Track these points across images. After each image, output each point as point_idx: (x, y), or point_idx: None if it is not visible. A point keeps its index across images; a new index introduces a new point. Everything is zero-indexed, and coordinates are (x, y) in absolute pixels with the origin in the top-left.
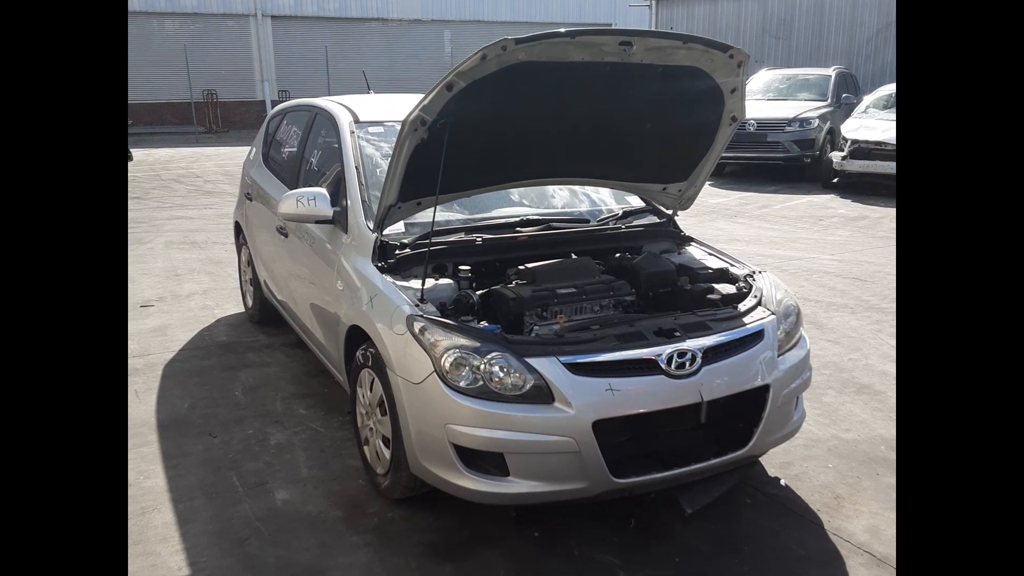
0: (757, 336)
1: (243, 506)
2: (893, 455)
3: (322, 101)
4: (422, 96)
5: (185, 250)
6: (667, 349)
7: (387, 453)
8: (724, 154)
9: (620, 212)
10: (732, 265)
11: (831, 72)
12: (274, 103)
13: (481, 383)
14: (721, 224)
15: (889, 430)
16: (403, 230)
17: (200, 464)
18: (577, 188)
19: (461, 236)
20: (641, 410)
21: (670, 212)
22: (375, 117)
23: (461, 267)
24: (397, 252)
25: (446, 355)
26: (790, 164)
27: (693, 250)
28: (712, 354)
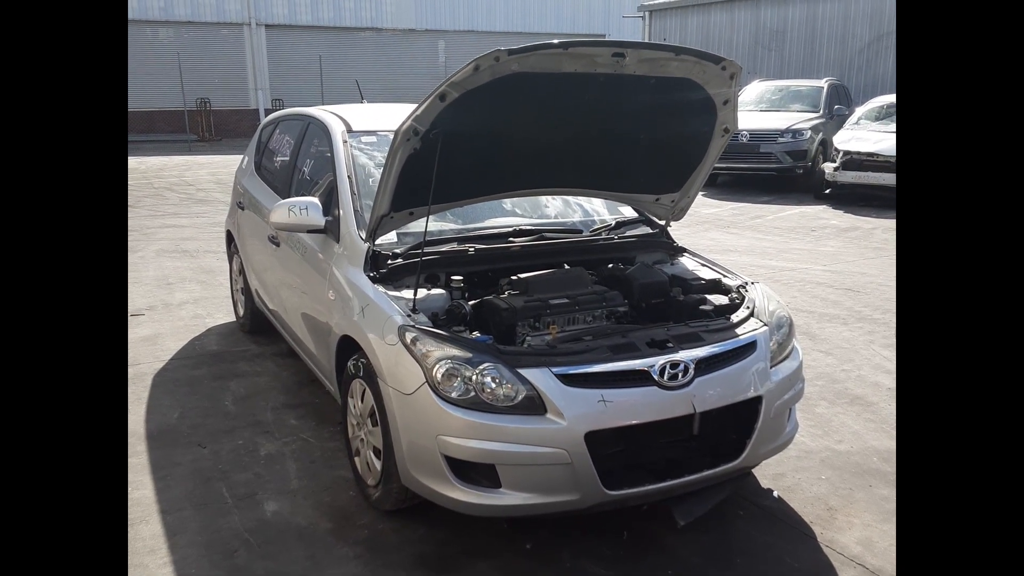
0: (750, 347)
1: (232, 517)
2: (886, 467)
3: (315, 110)
4: (415, 106)
5: (176, 259)
6: (660, 360)
7: (378, 464)
8: (717, 165)
9: (613, 222)
10: (725, 276)
11: (823, 84)
12: (267, 112)
13: (473, 394)
14: (714, 234)
15: (882, 441)
16: (395, 240)
17: (189, 475)
18: (570, 198)
19: (454, 246)
20: (634, 421)
21: (663, 223)
22: (368, 127)
23: (453, 277)
24: (389, 262)
25: (438, 366)
26: (783, 175)
27: (686, 261)
28: (705, 365)
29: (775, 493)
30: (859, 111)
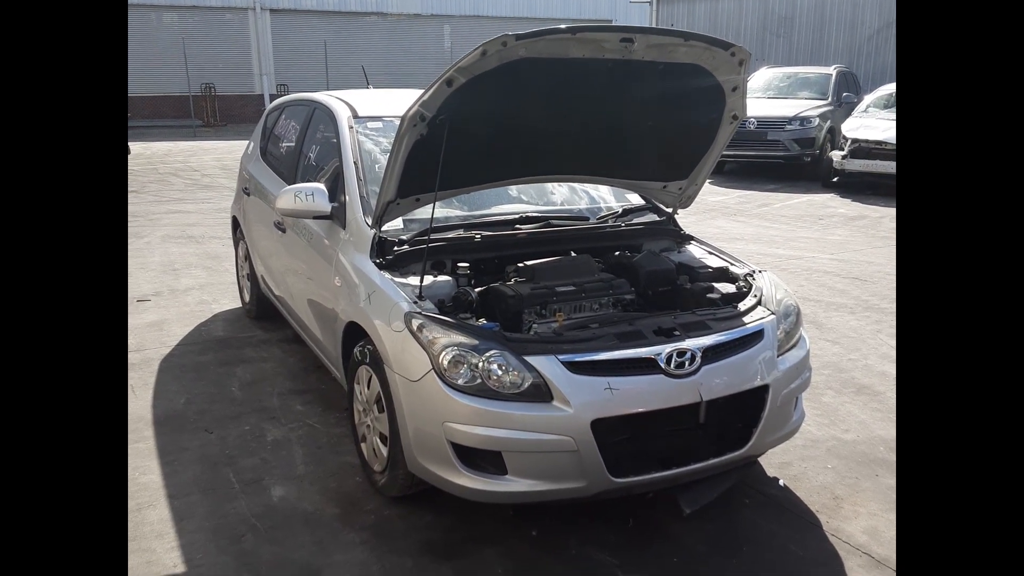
0: (757, 336)
1: (239, 503)
2: (892, 456)
3: (321, 96)
4: (422, 92)
5: (182, 244)
6: (666, 348)
7: (384, 450)
8: (724, 152)
9: (620, 210)
10: (732, 264)
11: (832, 71)
12: (272, 97)
13: (479, 381)
14: (721, 222)
15: (888, 431)
16: (402, 226)
17: (196, 460)
18: (577, 185)
19: (460, 233)
20: (640, 409)
21: (670, 210)
22: (374, 112)
23: (460, 264)
24: (395, 248)
25: (444, 352)
26: (790, 163)
27: (693, 249)
28: (711, 353)
29: (781, 482)
30: (867, 99)
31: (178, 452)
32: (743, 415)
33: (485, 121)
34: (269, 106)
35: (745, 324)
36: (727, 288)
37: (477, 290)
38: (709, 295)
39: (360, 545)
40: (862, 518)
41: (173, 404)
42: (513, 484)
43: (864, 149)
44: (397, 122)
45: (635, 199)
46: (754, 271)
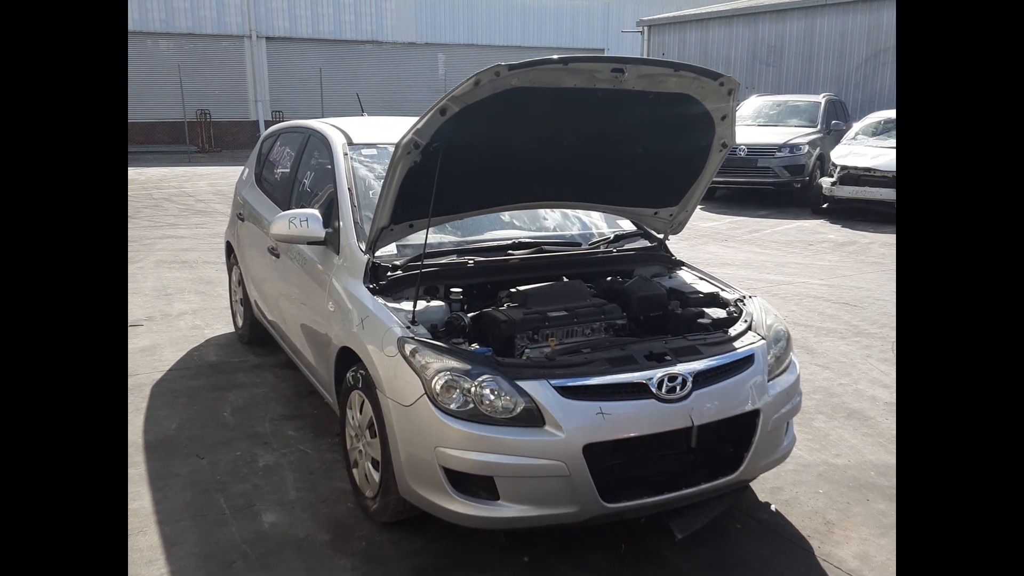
0: (747, 361)
1: (230, 529)
2: (883, 481)
3: (316, 123)
4: (416, 119)
5: (175, 269)
6: (658, 373)
7: (376, 476)
8: (715, 179)
9: (611, 236)
10: (723, 289)
11: (821, 99)
12: (267, 124)
13: (472, 406)
14: (712, 248)
15: (879, 455)
16: (395, 252)
17: (187, 486)
18: (569, 211)
19: (453, 258)
20: (632, 434)
21: (661, 236)
22: (368, 139)
23: (453, 289)
24: (389, 274)
25: (437, 377)
26: (780, 189)
27: (684, 274)
28: (703, 378)
29: (772, 507)
30: (856, 126)
31: (169, 477)
32: (734, 440)
33: (478, 149)
34: (264, 133)
35: (736, 349)
36: (718, 313)
37: (470, 315)
38: (700, 320)
39: (351, 571)
40: (853, 543)
41: (164, 429)
42: (505, 509)
43: (853, 176)
44: (391, 149)
45: (627, 225)
46: (744, 296)
